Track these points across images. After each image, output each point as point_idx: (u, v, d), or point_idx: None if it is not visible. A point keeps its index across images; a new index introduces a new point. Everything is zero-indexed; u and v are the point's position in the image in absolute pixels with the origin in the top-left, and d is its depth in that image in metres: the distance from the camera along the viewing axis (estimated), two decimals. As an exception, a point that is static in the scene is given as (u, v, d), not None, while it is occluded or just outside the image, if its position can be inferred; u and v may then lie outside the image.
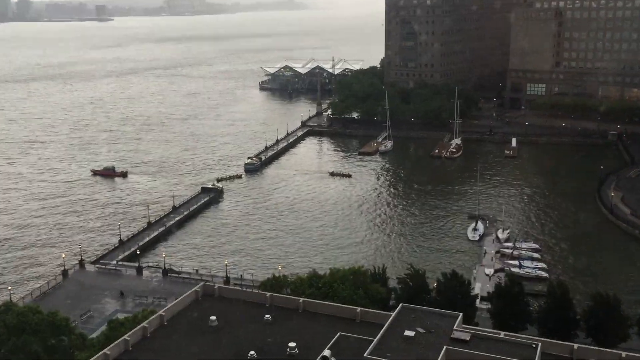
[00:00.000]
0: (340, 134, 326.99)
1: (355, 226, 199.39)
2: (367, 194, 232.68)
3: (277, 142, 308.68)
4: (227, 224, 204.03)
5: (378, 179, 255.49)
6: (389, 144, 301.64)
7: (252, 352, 73.40)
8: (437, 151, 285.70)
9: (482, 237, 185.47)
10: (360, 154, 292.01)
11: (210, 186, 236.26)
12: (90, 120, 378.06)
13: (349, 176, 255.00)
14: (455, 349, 67.88)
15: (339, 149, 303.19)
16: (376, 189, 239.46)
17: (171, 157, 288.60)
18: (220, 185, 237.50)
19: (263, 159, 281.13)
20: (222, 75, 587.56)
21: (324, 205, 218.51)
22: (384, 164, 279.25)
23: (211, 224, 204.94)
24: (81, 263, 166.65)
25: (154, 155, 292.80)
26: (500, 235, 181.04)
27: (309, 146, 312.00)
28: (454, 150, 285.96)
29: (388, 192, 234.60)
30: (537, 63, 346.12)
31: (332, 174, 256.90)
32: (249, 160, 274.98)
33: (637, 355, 72.52)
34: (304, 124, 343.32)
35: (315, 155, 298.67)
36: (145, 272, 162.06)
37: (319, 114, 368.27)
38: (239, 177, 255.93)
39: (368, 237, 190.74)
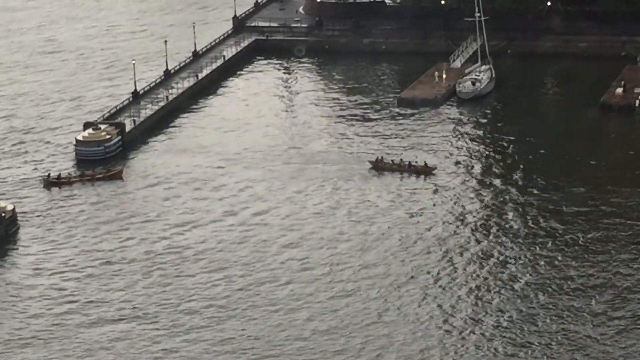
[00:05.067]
0: (344, 49, 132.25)
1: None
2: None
3: (167, 75, 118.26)
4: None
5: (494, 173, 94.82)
6: (484, 75, 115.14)
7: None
8: (619, 91, 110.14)
9: None
10: (401, 103, 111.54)
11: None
12: None
13: (430, 172, 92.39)
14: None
15: (344, 91, 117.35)
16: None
17: None
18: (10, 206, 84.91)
19: (129, 127, 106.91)
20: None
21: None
22: (478, 129, 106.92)
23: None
24: None
25: None
26: None
27: (260, 85, 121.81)
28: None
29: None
30: None
31: (379, 166, 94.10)
32: (89, 133, 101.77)
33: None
34: (240, 22, 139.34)
35: (280, 108, 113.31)
36: None
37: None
38: (60, 181, 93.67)
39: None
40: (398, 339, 63.58)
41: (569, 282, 70.29)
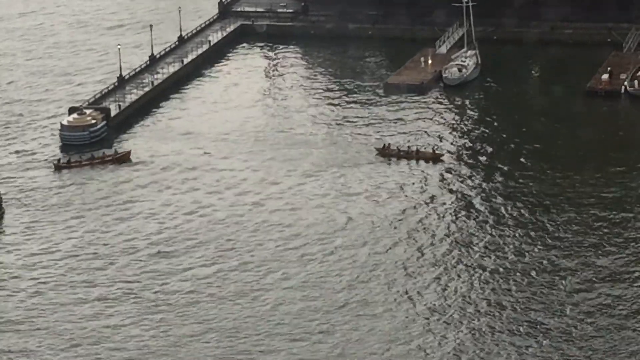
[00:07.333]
0: (329, 34, 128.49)
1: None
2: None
3: (152, 60, 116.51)
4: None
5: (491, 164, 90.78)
6: (470, 61, 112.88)
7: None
8: (605, 77, 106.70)
9: None
10: (387, 88, 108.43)
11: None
12: None
13: (439, 158, 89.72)
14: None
15: (329, 76, 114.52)
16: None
17: None
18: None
19: (115, 112, 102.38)
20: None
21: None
22: (467, 116, 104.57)
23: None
24: None
25: None
26: None
27: (246, 70, 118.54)
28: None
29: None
30: None
31: (386, 153, 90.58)
32: (74, 117, 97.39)
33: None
34: (226, 7, 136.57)
35: (267, 93, 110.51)
36: None
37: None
38: (70, 164, 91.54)
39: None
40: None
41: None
